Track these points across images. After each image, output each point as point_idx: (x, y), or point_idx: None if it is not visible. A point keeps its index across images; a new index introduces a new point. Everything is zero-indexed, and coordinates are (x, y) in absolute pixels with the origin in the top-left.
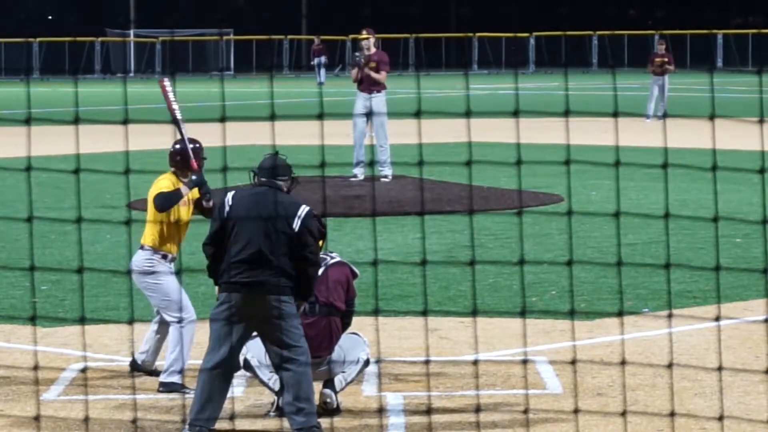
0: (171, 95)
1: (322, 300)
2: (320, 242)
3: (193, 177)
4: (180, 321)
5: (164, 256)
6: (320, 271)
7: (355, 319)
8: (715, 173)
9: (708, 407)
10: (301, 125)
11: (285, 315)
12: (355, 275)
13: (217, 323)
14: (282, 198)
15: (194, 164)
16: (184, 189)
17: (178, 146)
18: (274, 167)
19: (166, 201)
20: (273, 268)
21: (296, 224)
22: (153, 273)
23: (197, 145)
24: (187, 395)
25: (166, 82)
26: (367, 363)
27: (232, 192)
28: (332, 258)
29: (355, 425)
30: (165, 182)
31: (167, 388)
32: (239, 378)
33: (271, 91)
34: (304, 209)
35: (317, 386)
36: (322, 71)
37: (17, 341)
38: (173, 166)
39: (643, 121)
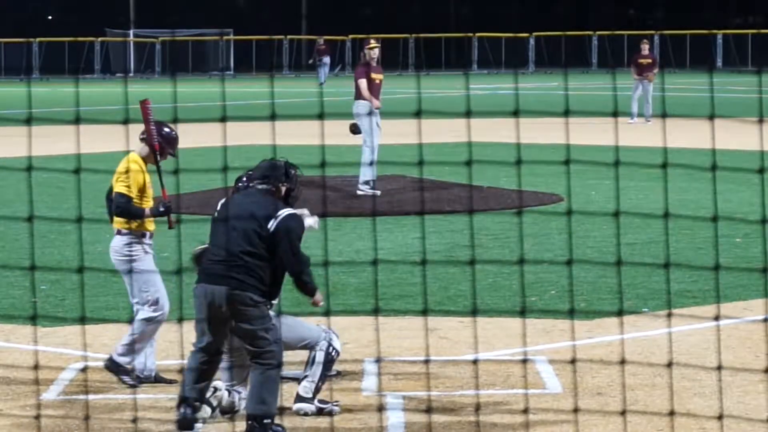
0: (150, 116)
1: None
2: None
3: (160, 208)
4: (148, 316)
5: (143, 235)
6: None
7: (355, 319)
8: (715, 173)
9: (707, 407)
10: (302, 125)
11: (251, 317)
12: None
13: (196, 313)
14: (259, 198)
15: (164, 193)
16: (148, 211)
17: (166, 130)
18: (259, 171)
19: (128, 213)
20: (240, 267)
21: (271, 225)
22: (134, 260)
23: (173, 133)
24: (124, 384)
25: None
26: (330, 354)
27: (227, 196)
28: None
29: (355, 425)
30: (135, 166)
31: (113, 367)
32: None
33: (272, 91)
34: (282, 214)
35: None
36: (323, 70)
37: (17, 341)
38: (143, 149)
39: (626, 122)
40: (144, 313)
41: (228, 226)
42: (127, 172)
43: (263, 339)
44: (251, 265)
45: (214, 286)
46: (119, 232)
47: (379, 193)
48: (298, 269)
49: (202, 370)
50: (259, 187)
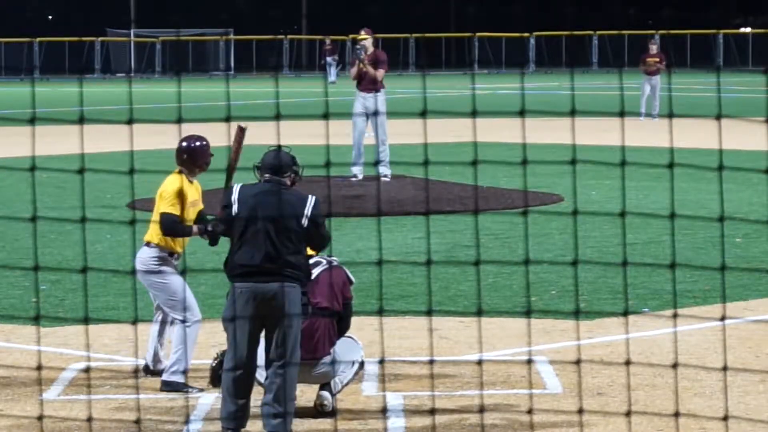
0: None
1: (322, 303)
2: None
3: (209, 228)
4: (184, 321)
5: (171, 254)
6: (318, 272)
7: (354, 319)
8: (722, 173)
9: (708, 407)
10: (302, 125)
11: (291, 313)
12: (350, 281)
13: (229, 323)
14: (287, 195)
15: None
16: (195, 228)
17: (184, 144)
18: (275, 164)
19: (173, 230)
20: (286, 262)
21: (305, 221)
22: (160, 272)
23: (204, 143)
24: (189, 395)
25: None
26: (361, 365)
27: (238, 188)
28: (332, 262)
29: (355, 425)
30: (175, 184)
31: (170, 387)
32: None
33: (277, 92)
34: (310, 204)
35: (315, 389)
36: (333, 70)
37: (17, 341)
38: (180, 164)
39: (638, 120)
40: (178, 318)
41: (263, 225)
42: (171, 190)
43: (295, 338)
44: (293, 260)
45: (263, 284)
46: (148, 245)
47: (354, 179)
48: (324, 246)
49: (241, 388)
50: (276, 179)
